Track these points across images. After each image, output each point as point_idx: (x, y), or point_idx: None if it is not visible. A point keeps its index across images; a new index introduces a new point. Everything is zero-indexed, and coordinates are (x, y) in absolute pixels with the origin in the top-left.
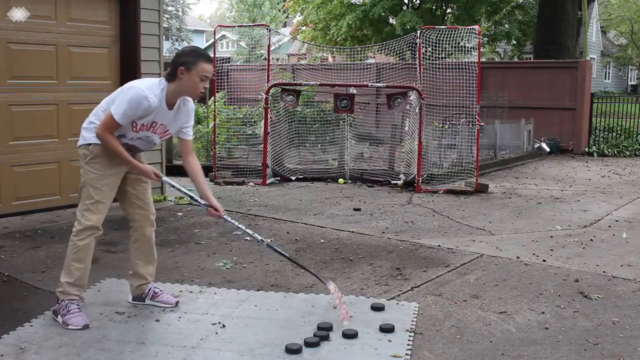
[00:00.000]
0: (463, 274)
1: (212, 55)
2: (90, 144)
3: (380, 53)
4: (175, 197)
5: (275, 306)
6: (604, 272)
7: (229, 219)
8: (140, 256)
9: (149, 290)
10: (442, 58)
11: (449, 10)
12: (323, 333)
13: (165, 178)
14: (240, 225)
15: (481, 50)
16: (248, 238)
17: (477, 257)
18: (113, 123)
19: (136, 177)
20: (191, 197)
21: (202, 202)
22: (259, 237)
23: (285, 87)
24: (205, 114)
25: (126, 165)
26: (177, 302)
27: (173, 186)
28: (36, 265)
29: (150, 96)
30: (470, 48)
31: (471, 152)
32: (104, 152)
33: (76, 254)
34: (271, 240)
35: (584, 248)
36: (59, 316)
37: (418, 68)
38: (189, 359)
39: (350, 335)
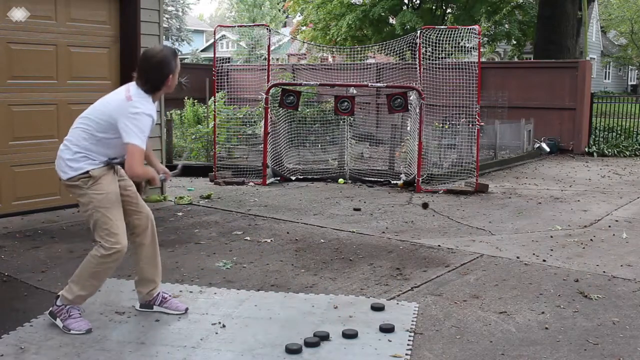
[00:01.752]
0: (463, 274)
1: (212, 55)
2: (87, 171)
3: (380, 53)
4: (175, 197)
5: (275, 306)
6: (604, 272)
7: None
8: (145, 260)
9: (158, 295)
10: (442, 58)
11: (449, 10)
12: (323, 333)
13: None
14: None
15: (481, 50)
16: (248, 238)
17: (477, 257)
18: (141, 153)
19: (121, 184)
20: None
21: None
22: None
23: (285, 87)
24: (205, 114)
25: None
26: (186, 309)
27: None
28: (36, 265)
29: (153, 114)
30: (470, 48)
31: (471, 152)
32: (101, 170)
33: (98, 273)
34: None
35: (584, 248)
36: (59, 319)
37: (418, 68)
38: (189, 359)
39: (350, 335)
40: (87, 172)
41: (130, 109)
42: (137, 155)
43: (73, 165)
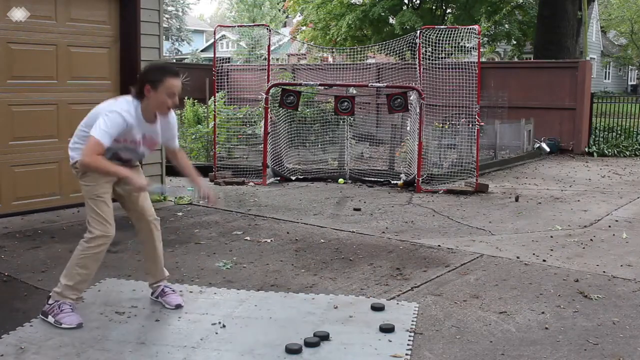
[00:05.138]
0: (463, 274)
1: (212, 55)
2: (77, 162)
3: (380, 53)
4: (175, 197)
5: (275, 306)
6: (604, 272)
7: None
8: (146, 257)
9: (160, 287)
10: (442, 58)
11: (449, 10)
12: (323, 333)
13: (152, 188)
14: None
15: (481, 50)
16: (248, 238)
17: (477, 257)
18: (99, 147)
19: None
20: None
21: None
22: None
23: (285, 87)
24: (205, 114)
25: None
26: (177, 306)
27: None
28: (36, 265)
29: (127, 117)
30: (470, 48)
31: (471, 152)
32: None
33: (83, 259)
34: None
35: (584, 248)
36: (50, 316)
37: (418, 68)
38: (189, 359)
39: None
40: (77, 162)
41: (108, 107)
42: (91, 145)
43: (71, 154)
